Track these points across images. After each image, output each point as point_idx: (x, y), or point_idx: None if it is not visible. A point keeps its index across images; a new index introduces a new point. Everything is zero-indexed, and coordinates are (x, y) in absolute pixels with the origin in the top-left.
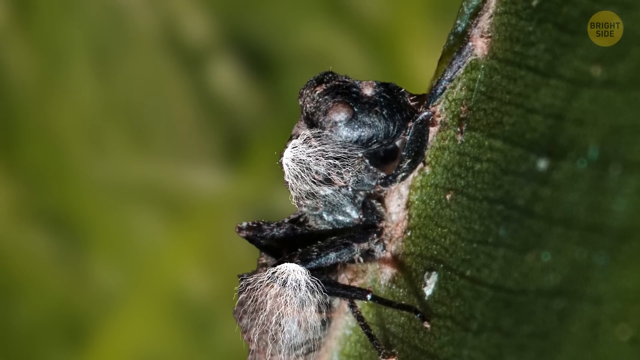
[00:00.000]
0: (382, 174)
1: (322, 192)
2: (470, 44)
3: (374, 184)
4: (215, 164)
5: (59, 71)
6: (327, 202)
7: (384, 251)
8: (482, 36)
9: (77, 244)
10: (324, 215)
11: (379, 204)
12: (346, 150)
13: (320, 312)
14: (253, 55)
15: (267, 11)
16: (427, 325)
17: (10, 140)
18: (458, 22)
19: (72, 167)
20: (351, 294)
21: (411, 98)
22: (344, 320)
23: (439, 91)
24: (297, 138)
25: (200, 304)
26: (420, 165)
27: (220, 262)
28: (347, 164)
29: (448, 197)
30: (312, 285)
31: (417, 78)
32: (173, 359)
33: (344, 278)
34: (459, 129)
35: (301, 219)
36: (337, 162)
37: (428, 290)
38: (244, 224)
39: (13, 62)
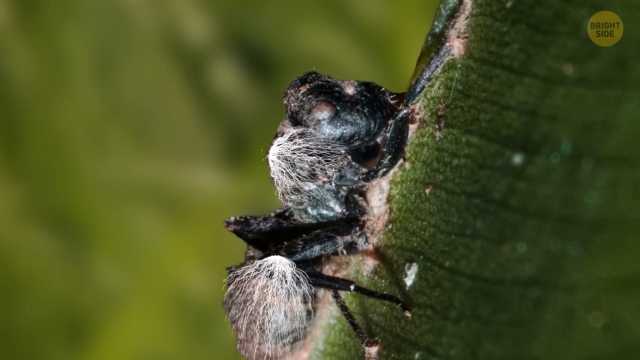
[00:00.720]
0: (364, 170)
1: (306, 188)
2: (447, 44)
3: (356, 179)
4: (217, 165)
5: (62, 73)
6: (311, 197)
7: (366, 244)
8: (458, 37)
9: (80, 243)
10: (309, 209)
11: (361, 198)
12: (329, 147)
13: (305, 302)
14: (253, 56)
15: (268, 13)
16: (408, 314)
17: (14, 141)
18: (436, 23)
19: (75, 168)
20: (335, 284)
21: (391, 97)
22: (328, 310)
23: (417, 90)
24: (282, 136)
25: (201, 302)
26: (401, 161)
27: (222, 261)
28: (330, 160)
29: (427, 191)
30: (297, 276)
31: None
32: (175, 356)
33: (328, 269)
34: (437, 126)
35: (287, 214)
36: (320, 158)
37: (409, 281)
38: (232, 218)
39: (16, 64)
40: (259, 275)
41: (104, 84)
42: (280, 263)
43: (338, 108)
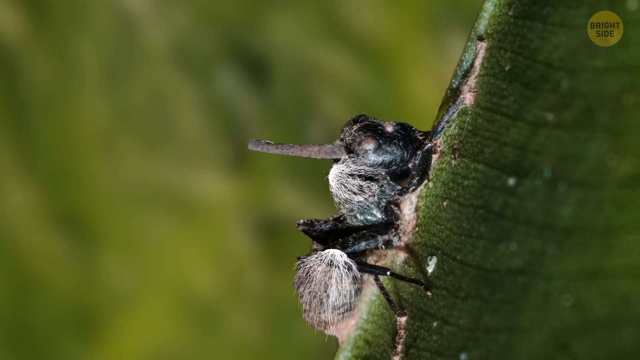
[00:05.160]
0: (399, 187)
1: (356, 200)
2: (461, 96)
3: (393, 194)
4: (222, 169)
5: (74, 82)
6: (359, 207)
7: (399, 241)
8: (470, 91)
9: (92, 244)
10: (357, 215)
11: (396, 208)
12: (373, 170)
13: (354, 283)
14: (257, 67)
15: (270, 26)
16: (429, 293)
17: (30, 147)
18: (453, 80)
19: (87, 172)
20: (376, 270)
21: (420, 134)
22: (370, 290)
23: (439, 129)
24: (339, 161)
25: (207, 299)
26: (426, 181)
27: (226, 260)
28: (374, 180)
29: (445, 203)
30: (348, 264)
31: (409, 89)
32: (183, 351)
33: (371, 260)
34: (453, 156)
35: (341, 218)
36: (367, 178)
37: (430, 269)
38: (301, 220)
39: (31, 73)
40: (320, 263)
41: (114, 92)
42: (336, 254)
43: (381, 142)
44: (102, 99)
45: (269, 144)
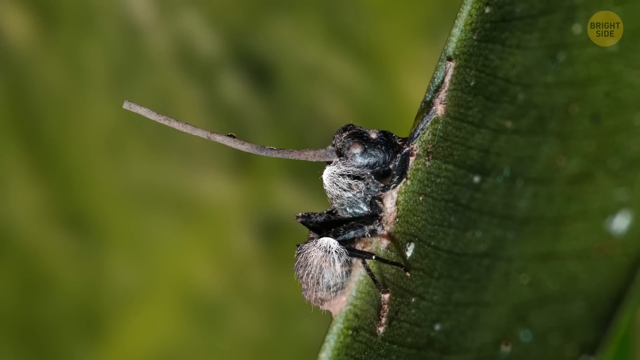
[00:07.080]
0: (382, 185)
1: (346, 195)
2: (434, 108)
3: (377, 190)
4: (224, 170)
5: (82, 86)
6: (349, 201)
7: (383, 230)
8: (441, 103)
9: (98, 243)
10: (347, 209)
11: (380, 202)
12: (360, 170)
13: (344, 266)
14: (258, 70)
15: (272, 30)
16: (408, 274)
17: (39, 149)
18: (427, 94)
19: (93, 173)
20: (363, 255)
21: (399, 139)
22: (358, 271)
23: (415, 135)
24: (331, 164)
25: (210, 298)
26: (404, 179)
27: (228, 259)
28: (361, 178)
29: (421, 198)
30: (340, 250)
31: (407, 93)
32: (187, 348)
33: (358, 246)
34: (427, 158)
35: (333, 211)
36: (355, 177)
37: (409, 253)
38: (300, 213)
39: (40, 77)
40: (317, 249)
41: (120, 95)
42: (330, 242)
43: (366, 146)
44: (109, 102)
45: (271, 149)
